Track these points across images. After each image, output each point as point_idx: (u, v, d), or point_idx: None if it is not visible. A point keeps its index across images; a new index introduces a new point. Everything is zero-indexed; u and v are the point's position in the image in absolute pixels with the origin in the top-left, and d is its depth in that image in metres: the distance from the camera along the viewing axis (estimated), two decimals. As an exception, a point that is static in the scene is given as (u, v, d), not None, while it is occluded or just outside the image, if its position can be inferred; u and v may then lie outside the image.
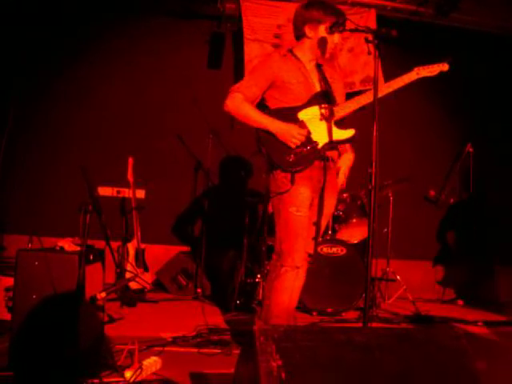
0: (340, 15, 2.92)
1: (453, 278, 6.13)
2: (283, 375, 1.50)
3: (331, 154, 2.97)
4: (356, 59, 5.91)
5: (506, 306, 5.12)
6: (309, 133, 2.86)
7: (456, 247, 6.21)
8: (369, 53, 2.56)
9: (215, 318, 4.06)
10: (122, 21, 5.81)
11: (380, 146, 2.51)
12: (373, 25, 5.69)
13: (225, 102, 2.95)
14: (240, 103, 2.91)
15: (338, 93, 3.03)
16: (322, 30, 2.92)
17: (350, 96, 2.97)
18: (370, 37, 2.56)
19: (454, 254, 6.22)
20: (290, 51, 3.05)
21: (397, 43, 2.92)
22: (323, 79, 3.02)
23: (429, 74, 2.85)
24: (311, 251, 2.95)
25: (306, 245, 2.87)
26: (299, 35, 3.03)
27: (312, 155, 2.86)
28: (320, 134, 2.87)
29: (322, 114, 2.88)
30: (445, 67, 2.86)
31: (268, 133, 2.86)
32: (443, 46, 5.88)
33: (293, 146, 2.82)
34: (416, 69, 2.85)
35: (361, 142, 2.99)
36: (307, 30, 2.97)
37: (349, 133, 2.91)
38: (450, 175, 6.01)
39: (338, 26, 2.80)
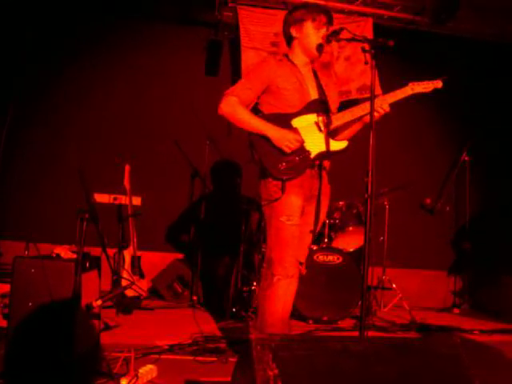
0: (322, 10, 2.95)
1: (451, 287, 6.13)
2: (280, 384, 1.50)
3: (324, 163, 2.95)
4: (353, 68, 5.93)
5: (504, 314, 5.11)
6: (302, 141, 2.83)
7: (469, 255, 6.14)
8: (366, 62, 2.57)
9: (211, 325, 4.05)
10: (122, 22, 5.82)
11: (376, 154, 2.51)
12: (370, 34, 5.73)
13: (219, 106, 2.90)
14: (235, 106, 2.87)
15: (332, 101, 3.01)
16: (306, 27, 2.94)
17: (346, 103, 2.97)
18: (367, 46, 2.57)
19: (460, 262, 6.18)
20: (286, 56, 3.05)
21: (394, 52, 2.95)
22: (318, 86, 3.00)
23: (423, 91, 2.87)
24: (303, 260, 2.94)
25: (297, 253, 2.84)
26: (289, 40, 3.06)
27: (303, 164, 2.83)
28: (313, 144, 2.85)
29: (317, 123, 2.87)
30: (439, 84, 2.88)
31: (262, 138, 2.81)
32: (440, 55, 5.92)
33: (288, 150, 2.77)
34: (411, 84, 2.87)
35: (358, 149, 2.99)
36: (293, 32, 2.99)
37: (342, 144, 2.91)
38: (447, 183, 6.03)
39: (335, 35, 2.80)
